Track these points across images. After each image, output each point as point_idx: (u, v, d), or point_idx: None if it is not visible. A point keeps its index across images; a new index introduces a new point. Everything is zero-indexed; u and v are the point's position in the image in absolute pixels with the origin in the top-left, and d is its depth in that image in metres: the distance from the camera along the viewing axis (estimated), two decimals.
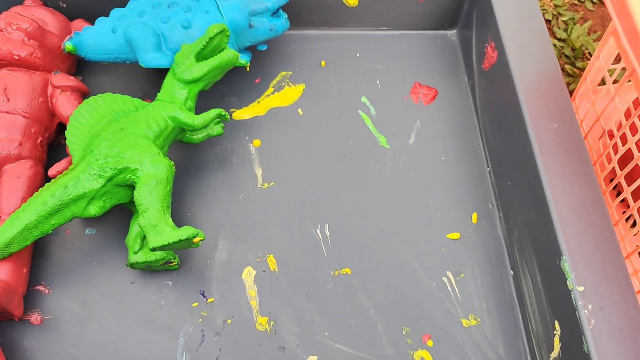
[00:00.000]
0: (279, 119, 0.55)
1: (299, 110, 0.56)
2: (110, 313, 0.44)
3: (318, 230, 0.49)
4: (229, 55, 0.47)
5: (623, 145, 0.48)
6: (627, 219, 0.54)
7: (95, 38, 0.50)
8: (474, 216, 0.50)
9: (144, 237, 0.44)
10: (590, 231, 0.41)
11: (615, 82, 0.58)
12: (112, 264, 0.46)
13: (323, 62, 0.59)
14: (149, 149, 0.43)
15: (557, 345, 0.41)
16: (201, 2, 0.50)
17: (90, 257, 0.47)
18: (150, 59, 0.48)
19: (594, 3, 0.82)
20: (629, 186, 0.47)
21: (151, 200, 0.41)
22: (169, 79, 0.48)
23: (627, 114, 0.52)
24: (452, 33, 0.62)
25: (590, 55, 0.76)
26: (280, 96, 0.57)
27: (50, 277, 0.45)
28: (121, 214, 0.48)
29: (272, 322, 0.45)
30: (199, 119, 0.46)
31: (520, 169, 0.47)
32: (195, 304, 0.45)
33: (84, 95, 0.51)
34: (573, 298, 0.38)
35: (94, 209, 0.42)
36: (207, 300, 0.45)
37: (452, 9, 0.59)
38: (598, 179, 0.52)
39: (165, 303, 0.45)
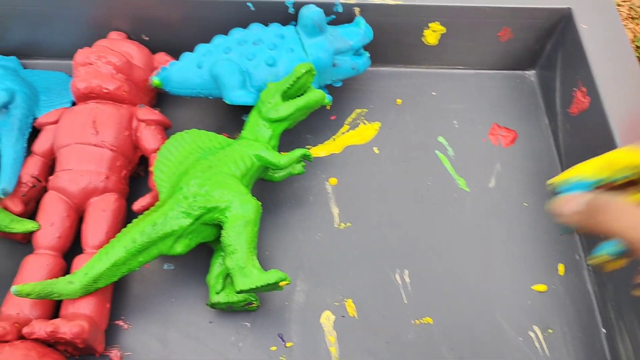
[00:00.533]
0: (354, 157, 0.54)
1: (375, 148, 0.55)
2: (189, 353, 0.44)
3: (397, 276, 0.48)
4: (317, 95, 0.46)
5: None
6: None
7: (181, 73, 0.50)
8: (561, 267, 0.48)
9: (226, 276, 0.44)
10: None
11: None
12: (190, 301, 0.46)
13: (399, 100, 0.58)
14: (238, 188, 0.43)
15: None
16: (286, 40, 0.50)
17: (168, 293, 0.46)
18: (236, 96, 0.48)
19: None
20: None
21: (239, 241, 0.40)
22: (253, 117, 0.47)
23: None
24: (530, 73, 0.61)
25: None
26: (356, 134, 0.56)
27: (130, 312, 0.45)
28: (199, 249, 0.47)
29: None
30: (284, 159, 0.45)
31: None
32: (274, 347, 0.44)
33: (166, 128, 0.51)
34: None
35: (180, 247, 0.42)
36: (285, 344, 0.44)
37: (534, 50, 0.58)
38: None
39: (244, 345, 0.44)
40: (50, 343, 0.40)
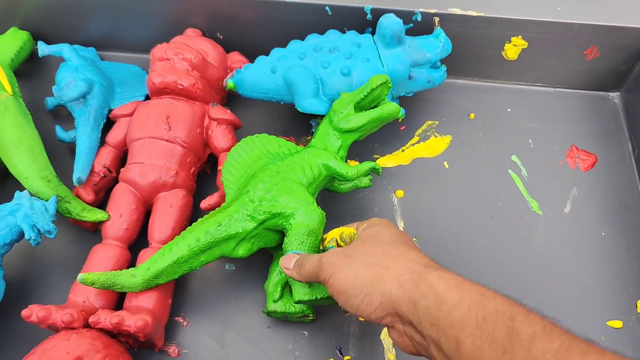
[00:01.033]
0: (423, 170, 0.53)
1: (445, 163, 0.53)
2: (246, 356, 0.43)
3: None
4: (391, 108, 0.45)
5: None
6: None
7: (255, 77, 0.50)
8: (639, 304, 0.45)
9: (284, 285, 0.43)
10: None
11: None
12: (248, 305, 0.45)
13: (472, 115, 0.56)
14: (304, 196, 0.42)
15: None
16: (363, 49, 0.49)
17: (228, 294, 0.46)
18: (309, 104, 0.47)
19: None
20: None
21: (301, 250, 0.40)
22: (324, 126, 0.47)
23: None
24: (614, 95, 0.57)
25: None
26: (426, 146, 0.54)
27: (189, 310, 0.45)
28: (260, 253, 0.47)
29: None
30: (352, 171, 0.44)
31: None
32: (331, 359, 0.43)
33: (236, 128, 0.51)
34: None
35: (242, 250, 0.42)
36: (343, 357, 0.43)
37: (621, 70, 0.55)
38: None
39: (300, 354, 0.43)
40: (114, 334, 0.40)
